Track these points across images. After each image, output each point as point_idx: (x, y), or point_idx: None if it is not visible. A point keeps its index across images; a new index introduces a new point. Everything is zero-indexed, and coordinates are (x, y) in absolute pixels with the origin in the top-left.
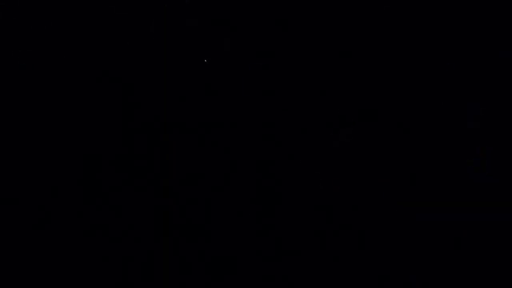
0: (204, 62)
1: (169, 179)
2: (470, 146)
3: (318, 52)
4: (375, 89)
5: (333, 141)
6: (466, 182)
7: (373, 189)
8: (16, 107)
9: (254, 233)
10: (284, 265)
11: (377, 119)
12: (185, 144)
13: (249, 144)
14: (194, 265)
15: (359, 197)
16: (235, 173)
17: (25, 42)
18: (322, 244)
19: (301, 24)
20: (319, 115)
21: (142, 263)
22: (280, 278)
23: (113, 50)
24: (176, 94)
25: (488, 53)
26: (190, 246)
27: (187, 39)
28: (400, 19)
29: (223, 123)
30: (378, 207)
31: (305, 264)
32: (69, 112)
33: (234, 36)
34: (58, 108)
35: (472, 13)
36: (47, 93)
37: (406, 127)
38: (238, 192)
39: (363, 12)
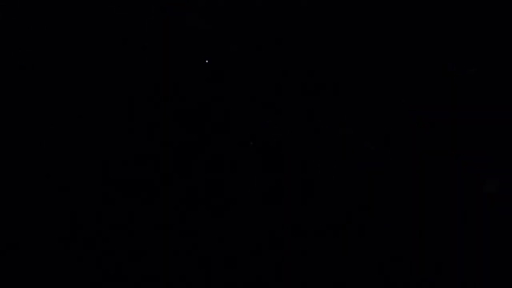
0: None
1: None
2: None
3: None
4: None
5: None
6: None
7: None
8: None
9: None
10: None
11: None
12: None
13: None
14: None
15: None
16: None
17: (25, 42)
18: None
19: None
20: None
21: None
22: None
23: (114, 50)
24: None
25: None
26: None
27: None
28: None
29: None
30: None
31: None
32: (69, 113)
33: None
34: (58, 109)
35: None
36: (47, 94)
37: None
38: None
39: None
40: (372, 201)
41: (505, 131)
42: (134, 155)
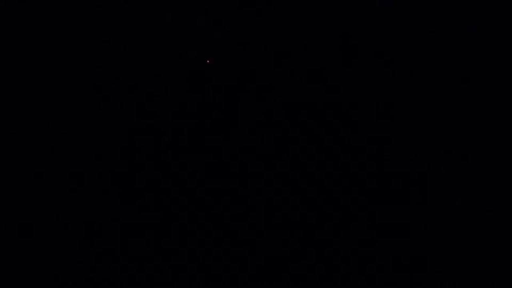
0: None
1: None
2: None
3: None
4: None
5: None
6: None
7: None
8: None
9: None
10: None
11: None
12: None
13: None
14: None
15: None
16: None
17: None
18: None
19: None
20: None
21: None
22: None
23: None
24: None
25: None
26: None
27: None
28: None
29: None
30: None
31: None
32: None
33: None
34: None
35: None
36: (48, 93)
37: None
38: None
39: None
40: None
41: None
42: (136, 153)
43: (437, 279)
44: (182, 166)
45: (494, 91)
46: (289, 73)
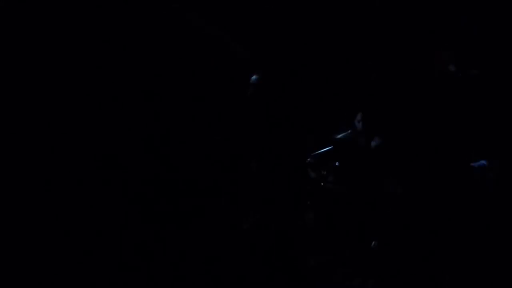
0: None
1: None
2: None
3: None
4: None
5: None
6: None
7: None
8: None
9: None
10: None
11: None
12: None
13: None
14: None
15: None
16: None
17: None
18: None
19: None
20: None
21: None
22: None
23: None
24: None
25: None
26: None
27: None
28: None
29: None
30: None
31: None
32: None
33: None
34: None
35: None
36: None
37: None
38: None
39: None
40: None
41: None
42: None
43: (437, 279)
44: (183, 166)
45: (494, 91)
46: (288, 72)
